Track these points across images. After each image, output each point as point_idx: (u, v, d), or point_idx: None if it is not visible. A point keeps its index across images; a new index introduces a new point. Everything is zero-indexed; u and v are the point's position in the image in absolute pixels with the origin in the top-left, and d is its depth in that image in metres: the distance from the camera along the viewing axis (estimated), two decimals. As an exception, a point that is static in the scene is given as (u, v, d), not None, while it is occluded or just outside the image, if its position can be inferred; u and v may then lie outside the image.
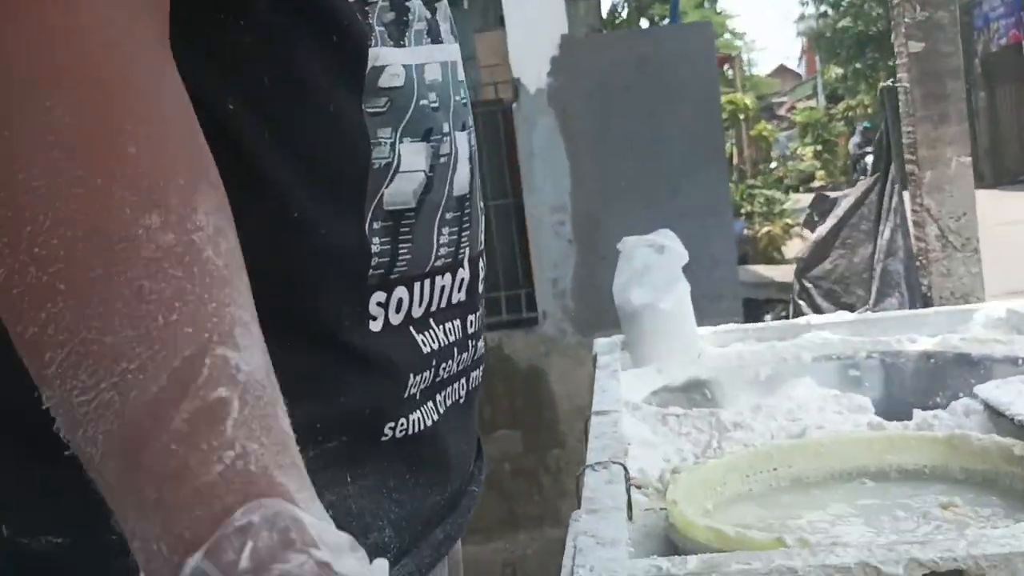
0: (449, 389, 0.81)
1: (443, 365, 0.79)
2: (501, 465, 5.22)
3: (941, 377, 1.62)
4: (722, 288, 4.98)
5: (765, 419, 1.29)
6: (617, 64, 5.31)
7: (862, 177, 6.16)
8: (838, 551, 0.71)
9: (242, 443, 0.46)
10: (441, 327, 0.80)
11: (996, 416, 1.11)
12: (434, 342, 0.78)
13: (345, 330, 0.70)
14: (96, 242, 0.49)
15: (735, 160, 18.03)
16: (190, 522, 0.44)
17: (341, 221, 0.70)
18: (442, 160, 0.77)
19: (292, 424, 0.67)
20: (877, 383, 1.71)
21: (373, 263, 0.71)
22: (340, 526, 0.69)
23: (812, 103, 28.08)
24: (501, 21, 5.72)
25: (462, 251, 0.82)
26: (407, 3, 0.75)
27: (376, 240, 0.72)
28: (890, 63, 5.10)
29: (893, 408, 1.39)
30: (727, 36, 23.99)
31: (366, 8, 0.71)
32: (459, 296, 0.83)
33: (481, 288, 0.88)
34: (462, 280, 0.83)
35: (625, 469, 1.01)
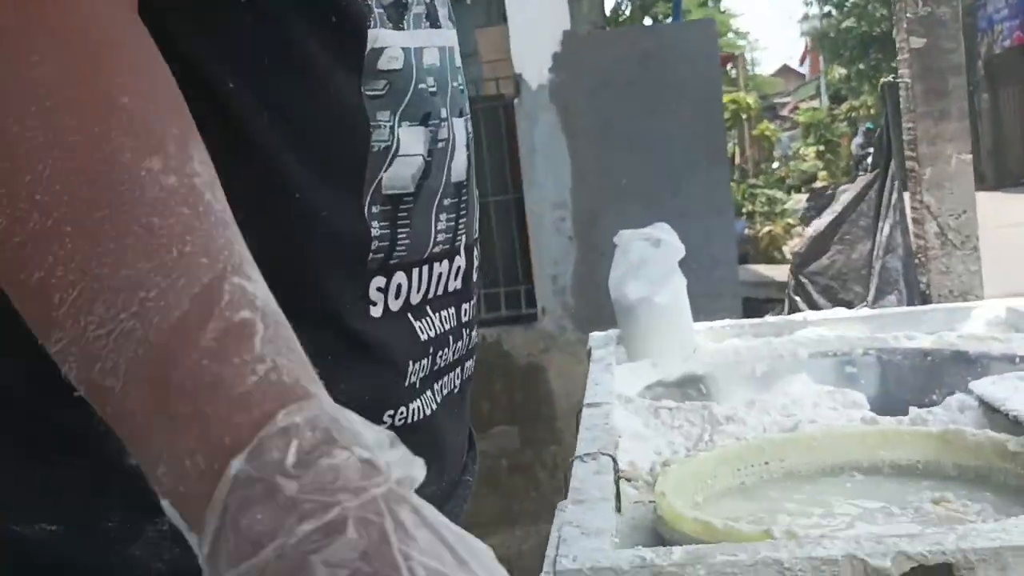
0: (445, 378, 0.80)
1: (440, 353, 0.79)
2: (498, 461, 5.22)
3: (938, 375, 1.61)
4: (722, 287, 4.97)
5: (758, 413, 1.28)
6: (619, 61, 5.30)
7: (861, 174, 6.13)
8: (825, 543, 0.70)
9: (272, 358, 0.47)
10: (437, 315, 0.80)
11: (991, 412, 1.10)
12: (431, 329, 0.78)
13: (347, 314, 0.70)
14: (100, 185, 0.49)
15: (737, 159, 18.01)
16: (229, 429, 0.44)
17: (342, 203, 0.69)
18: (440, 145, 0.77)
19: None
20: (873, 380, 1.70)
21: (373, 247, 0.71)
22: None
23: (815, 103, 28.05)
24: (503, 16, 5.71)
25: (459, 238, 0.82)
26: None
27: (375, 224, 0.71)
28: (893, 64, 5.08)
29: (889, 405, 1.38)
30: (731, 35, 23.98)
31: None
32: (455, 284, 0.82)
33: (475, 277, 0.87)
34: (458, 268, 0.82)
35: (614, 460, 1.00)
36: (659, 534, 0.90)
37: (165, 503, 0.46)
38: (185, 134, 0.52)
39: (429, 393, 0.78)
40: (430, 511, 0.45)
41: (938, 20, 4.04)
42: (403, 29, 0.74)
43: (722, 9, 23.40)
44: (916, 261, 4.44)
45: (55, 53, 0.51)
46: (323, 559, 0.41)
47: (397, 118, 0.73)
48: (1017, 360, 1.53)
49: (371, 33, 0.71)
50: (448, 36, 0.81)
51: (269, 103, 0.67)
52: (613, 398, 1.33)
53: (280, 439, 0.43)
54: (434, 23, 0.79)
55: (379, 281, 0.73)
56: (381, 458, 0.44)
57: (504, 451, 5.24)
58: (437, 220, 0.78)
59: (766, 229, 12.88)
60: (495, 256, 5.32)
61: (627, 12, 17.52)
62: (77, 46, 0.51)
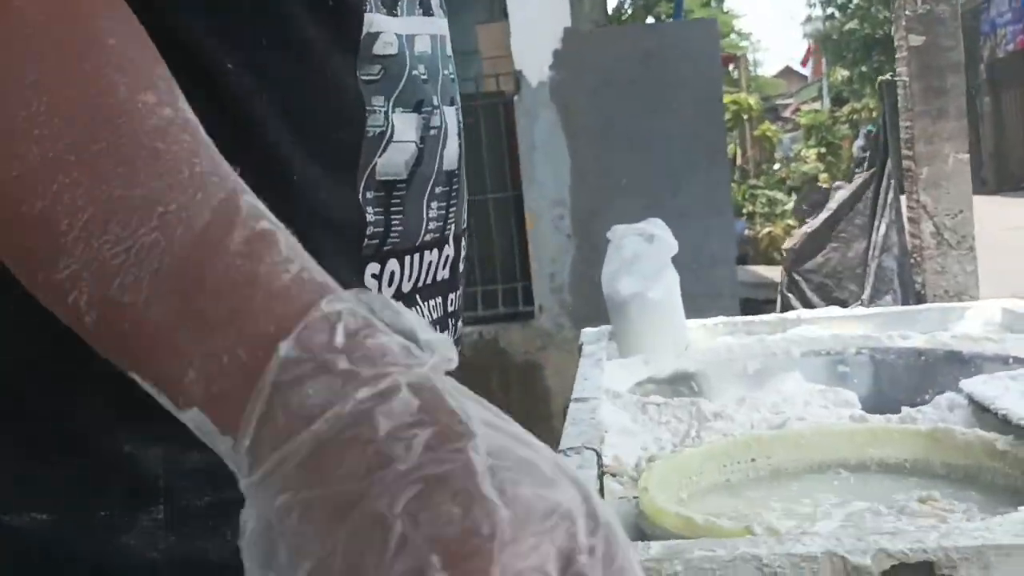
0: None
1: None
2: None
3: (931, 374, 1.60)
4: (721, 287, 4.95)
5: (747, 410, 1.27)
6: (619, 59, 5.29)
7: (857, 170, 6.10)
8: (805, 540, 0.68)
9: (300, 261, 0.47)
10: (426, 304, 0.79)
11: (981, 411, 1.08)
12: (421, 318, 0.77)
13: None
14: (99, 118, 0.48)
15: (738, 160, 17.99)
16: (271, 319, 0.44)
17: (339, 188, 0.69)
18: (432, 133, 0.77)
19: None
20: (867, 379, 1.68)
21: (368, 232, 0.71)
22: None
23: (817, 105, 28.03)
24: (504, 13, 5.71)
25: (449, 227, 0.82)
26: None
27: (370, 210, 0.71)
28: (896, 66, 5.05)
29: (882, 405, 1.37)
30: (733, 36, 23.95)
31: None
32: (443, 273, 0.82)
33: (462, 267, 0.87)
34: (447, 257, 0.82)
35: (598, 455, 0.99)
36: (642, 529, 0.89)
37: (191, 413, 0.45)
38: (169, 75, 0.52)
39: None
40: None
41: (937, 18, 4.02)
42: (397, 16, 0.74)
43: (725, 10, 23.38)
44: (911, 261, 4.42)
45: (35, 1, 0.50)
46: (383, 412, 0.41)
47: (391, 104, 0.73)
48: (1011, 360, 1.52)
49: (367, 17, 0.71)
50: (440, 25, 0.81)
51: (268, 85, 0.66)
52: (601, 393, 1.32)
53: (324, 323, 0.44)
54: (427, 11, 0.79)
55: (373, 267, 0.73)
56: (423, 335, 0.45)
57: (500, 449, 5.22)
58: (429, 208, 0.78)
59: (766, 230, 12.87)
60: (493, 253, 5.32)
61: (629, 11, 17.50)
62: None
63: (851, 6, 25.87)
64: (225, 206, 0.48)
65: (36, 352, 0.65)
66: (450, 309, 0.84)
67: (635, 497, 0.96)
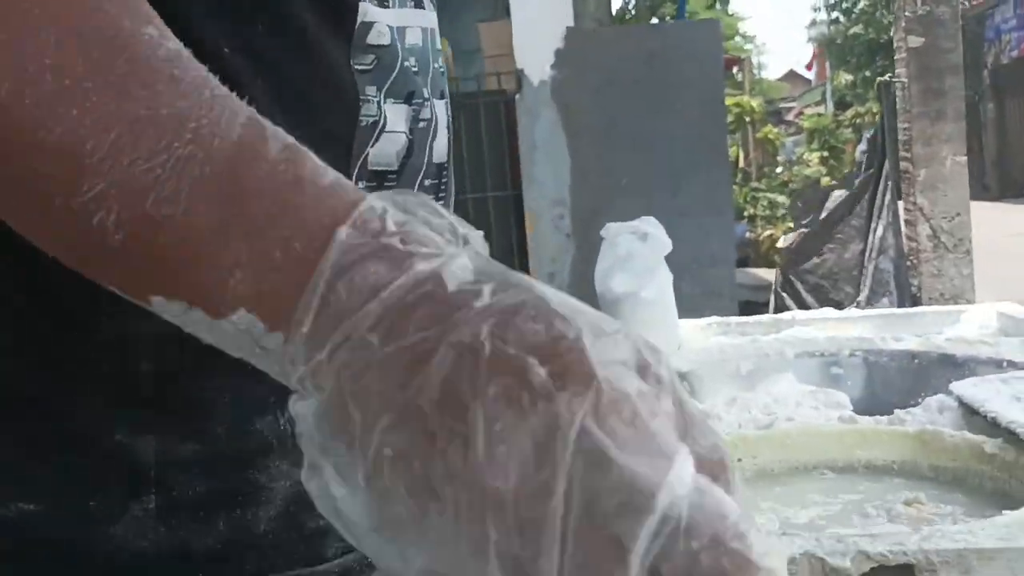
0: None
1: None
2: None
3: (924, 377, 1.58)
4: (719, 287, 4.94)
5: (736, 411, 1.26)
6: (621, 59, 5.28)
7: (854, 171, 6.08)
8: (784, 541, 0.67)
9: (333, 172, 0.48)
10: None
11: (970, 414, 1.07)
12: None
13: None
14: (110, 47, 0.48)
15: (740, 163, 17.97)
16: (325, 212, 0.45)
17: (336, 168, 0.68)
18: (422, 125, 0.77)
19: (281, 387, 0.65)
20: (859, 381, 1.67)
21: None
22: None
23: (820, 109, 28.02)
24: (507, 11, 5.69)
25: (439, 203, 0.81)
26: None
27: (360, 185, 0.70)
28: (894, 68, 5.04)
29: (874, 407, 1.35)
30: (737, 39, 23.94)
31: None
32: None
33: None
34: None
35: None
36: (623, 529, 0.87)
37: (236, 316, 0.46)
38: (160, 20, 0.52)
39: None
40: None
41: (937, 19, 4.00)
42: (388, 7, 0.74)
43: (730, 12, 23.37)
44: (908, 263, 4.40)
45: None
46: (447, 275, 0.43)
47: (383, 94, 0.73)
48: (1004, 364, 1.51)
49: (360, 6, 0.71)
50: (430, 18, 0.81)
51: (264, 70, 0.66)
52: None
53: (373, 214, 0.45)
54: (417, 3, 0.79)
55: None
56: (467, 230, 0.46)
57: (496, 448, 5.20)
58: (422, 186, 0.77)
59: (767, 233, 12.84)
60: (493, 252, 5.30)
61: (633, 12, 17.49)
62: None
63: (856, 11, 25.87)
64: (252, 122, 0.48)
65: (25, 338, 0.64)
66: None
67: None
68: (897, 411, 1.16)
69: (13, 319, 0.64)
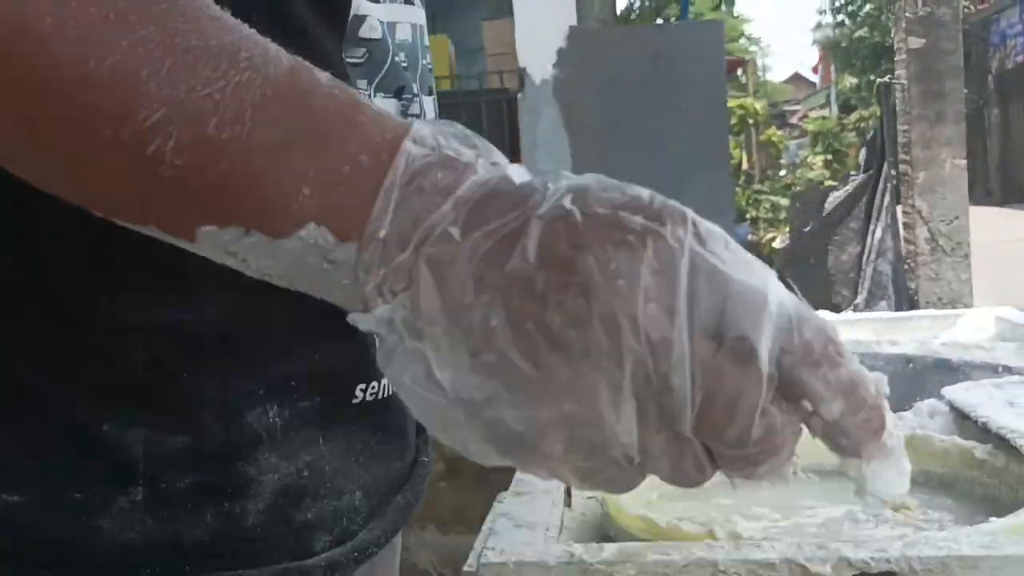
0: None
1: None
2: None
3: (919, 382, 1.57)
4: (719, 289, 4.92)
5: (727, 413, 1.24)
6: (623, 58, 5.27)
7: (852, 173, 6.06)
8: (764, 546, 0.66)
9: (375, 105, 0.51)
10: None
11: (961, 419, 1.05)
12: None
13: None
14: None
15: (744, 165, 17.95)
16: (386, 128, 0.48)
17: None
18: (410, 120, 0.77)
19: (270, 381, 0.66)
20: (854, 385, 1.65)
21: None
22: (316, 487, 0.67)
23: (825, 112, 28.00)
24: (510, 10, 5.69)
25: None
26: None
27: None
28: (894, 69, 5.02)
29: (867, 411, 1.34)
30: (742, 40, 23.93)
31: None
32: None
33: None
34: None
35: (566, 453, 0.97)
36: (605, 530, 0.86)
37: (305, 231, 0.47)
38: None
39: None
40: None
41: (938, 20, 3.98)
42: (379, 2, 0.75)
43: (735, 14, 23.35)
44: (905, 266, 4.38)
45: None
46: (511, 173, 0.47)
47: (373, 88, 0.74)
48: (1000, 369, 1.49)
49: (353, 0, 0.71)
50: (419, 14, 0.82)
51: None
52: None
53: (426, 132, 0.48)
54: None
55: None
56: (498, 156, 0.50)
57: (494, 447, 5.20)
58: None
59: (769, 235, 12.83)
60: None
61: (637, 12, 17.47)
62: None
63: (861, 14, 25.86)
64: (299, 62, 0.50)
65: (12, 328, 0.63)
66: None
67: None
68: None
69: (10, 315, 0.63)
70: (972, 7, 22.08)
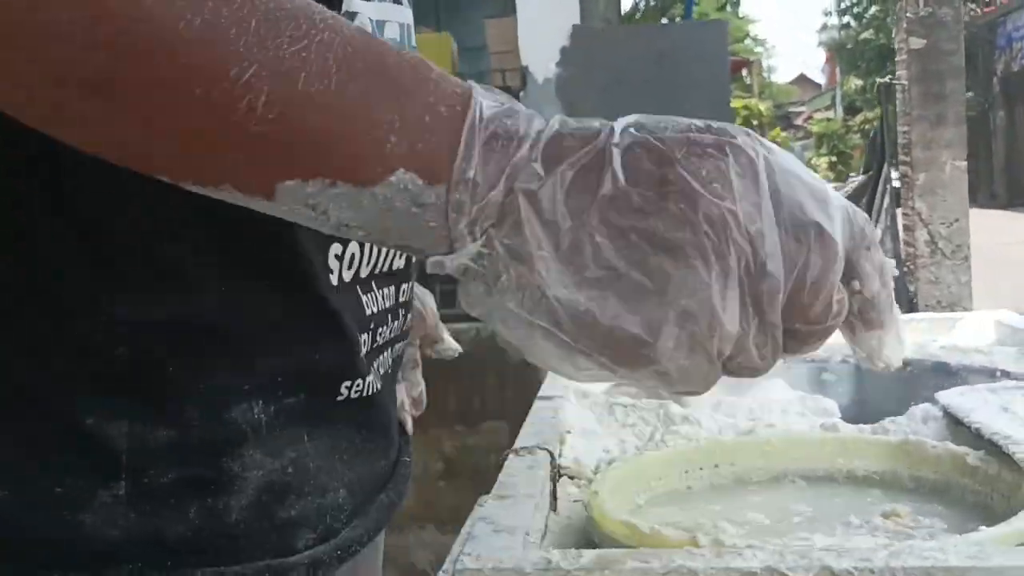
0: (382, 356, 0.81)
1: (379, 330, 0.79)
2: (487, 457, 5.17)
3: (916, 385, 1.55)
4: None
5: (718, 415, 1.22)
6: (626, 58, 5.26)
7: (851, 175, 6.04)
8: (746, 554, 0.64)
9: None
10: (380, 291, 0.80)
11: (955, 424, 1.04)
12: (375, 304, 0.78)
13: (315, 279, 0.70)
14: None
15: (748, 166, 17.94)
16: (452, 83, 0.53)
17: None
18: None
19: (257, 377, 0.66)
20: (851, 388, 1.64)
21: None
22: (300, 484, 0.67)
23: (830, 114, 27.97)
24: (514, 8, 5.68)
25: None
26: None
27: None
28: (895, 69, 4.99)
29: (863, 415, 1.32)
30: (748, 41, 23.90)
31: None
32: (399, 263, 0.83)
33: (415, 259, 0.86)
34: None
35: (552, 456, 0.95)
36: (590, 536, 0.85)
37: (394, 177, 0.50)
38: None
39: (374, 368, 0.78)
40: None
41: (939, 21, 3.95)
42: (369, 0, 0.76)
43: (740, 15, 23.32)
44: (905, 269, 4.36)
45: None
46: (567, 120, 0.54)
47: None
48: (998, 374, 1.48)
49: None
50: (406, 14, 0.83)
51: None
52: (570, 392, 1.28)
53: (486, 92, 0.53)
54: None
55: (337, 248, 0.73)
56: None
57: (494, 446, 5.19)
58: None
59: (772, 237, 12.81)
60: (493, 249, 5.29)
61: (641, 12, 17.46)
62: None
63: (867, 16, 25.83)
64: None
65: (11, 328, 0.63)
66: (401, 299, 0.85)
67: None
68: (883, 421, 1.13)
69: (10, 315, 0.63)
70: (978, 9, 22.04)
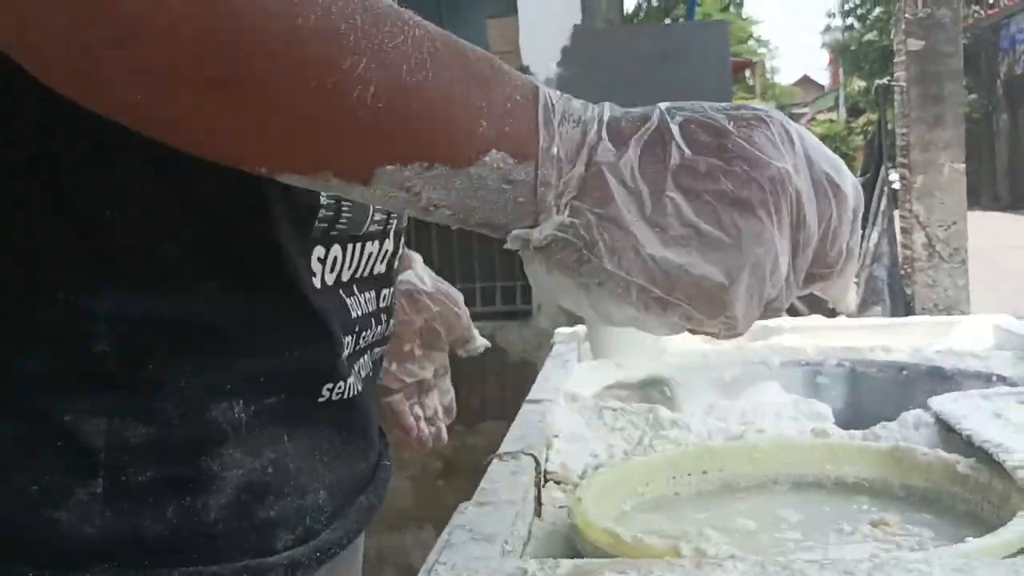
0: (363, 359, 0.80)
1: (363, 333, 0.79)
2: (486, 456, 5.15)
3: (911, 390, 1.54)
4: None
5: (710, 420, 1.21)
6: (629, 58, 5.24)
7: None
8: (726, 565, 0.63)
9: None
10: (363, 295, 0.80)
11: (947, 431, 1.02)
12: (359, 308, 0.78)
13: (298, 279, 0.70)
14: None
15: (751, 167, 17.91)
16: (516, 75, 0.58)
17: None
18: None
19: (238, 376, 0.65)
20: (846, 393, 1.63)
21: (320, 215, 0.71)
22: (280, 485, 0.66)
23: (833, 115, 27.93)
24: (516, 8, 5.66)
25: (391, 221, 0.84)
26: None
27: (322, 193, 0.71)
28: (894, 71, 4.95)
29: (857, 419, 1.31)
30: (751, 42, 23.86)
31: None
32: (380, 268, 0.83)
33: (397, 264, 0.89)
34: (386, 252, 0.84)
35: (536, 461, 0.94)
36: (574, 544, 0.83)
37: (488, 157, 0.56)
38: None
39: (355, 370, 0.78)
40: None
41: (937, 22, 3.92)
42: None
43: (744, 16, 23.29)
44: (902, 272, 4.33)
45: None
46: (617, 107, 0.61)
47: None
48: (994, 379, 1.46)
49: None
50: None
51: None
52: (559, 395, 1.27)
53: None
54: None
55: (319, 251, 0.73)
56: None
57: (493, 447, 5.17)
58: None
59: (774, 238, 12.77)
60: (492, 250, 5.27)
61: (644, 13, 17.43)
62: None
63: (870, 17, 25.79)
64: None
65: (12, 325, 0.62)
66: (382, 304, 0.84)
67: (575, 507, 0.91)
68: (874, 427, 1.11)
69: (10, 315, 0.62)
70: (982, 11, 22.00)
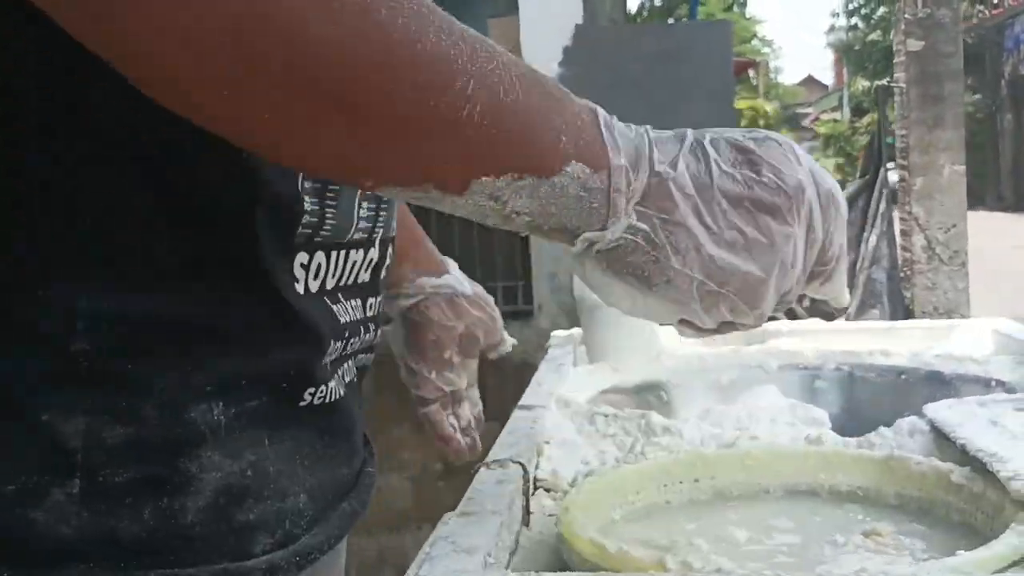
0: (346, 366, 0.80)
1: (351, 340, 0.79)
2: (484, 457, 5.13)
3: (910, 395, 1.52)
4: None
5: (704, 425, 1.19)
6: (631, 58, 5.22)
7: (848, 179, 5.99)
8: (712, 580, 0.61)
9: None
10: (348, 303, 0.80)
11: (941, 439, 1.01)
12: (346, 315, 0.78)
13: (281, 284, 0.70)
14: None
15: (754, 167, 17.92)
16: (571, 95, 0.65)
17: (283, 170, 0.70)
18: None
19: (219, 378, 0.65)
20: (843, 397, 1.61)
21: (304, 220, 0.72)
22: (260, 488, 0.66)
23: (837, 115, 27.90)
24: (517, 7, 5.65)
25: (377, 230, 0.84)
26: None
27: (306, 199, 0.72)
28: (893, 71, 4.92)
29: (855, 424, 1.29)
30: (755, 42, 23.83)
31: None
32: (364, 276, 0.83)
33: (383, 274, 0.89)
34: (371, 260, 0.84)
35: (524, 470, 0.92)
36: (560, 555, 0.82)
37: (570, 168, 0.62)
38: None
39: (338, 375, 0.78)
40: None
41: (937, 23, 3.90)
42: None
43: (747, 16, 23.26)
44: (901, 275, 4.30)
45: None
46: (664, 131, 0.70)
47: None
48: (993, 384, 1.45)
49: None
50: None
51: None
52: (551, 401, 1.25)
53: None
54: None
55: (303, 257, 0.73)
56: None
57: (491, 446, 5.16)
58: (360, 207, 0.80)
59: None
60: (493, 251, 5.26)
61: (647, 13, 17.41)
62: None
63: (874, 17, 25.75)
64: None
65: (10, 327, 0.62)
66: (369, 313, 0.84)
67: (564, 516, 0.89)
68: (869, 434, 1.10)
69: (10, 315, 0.62)
70: (986, 11, 21.97)
